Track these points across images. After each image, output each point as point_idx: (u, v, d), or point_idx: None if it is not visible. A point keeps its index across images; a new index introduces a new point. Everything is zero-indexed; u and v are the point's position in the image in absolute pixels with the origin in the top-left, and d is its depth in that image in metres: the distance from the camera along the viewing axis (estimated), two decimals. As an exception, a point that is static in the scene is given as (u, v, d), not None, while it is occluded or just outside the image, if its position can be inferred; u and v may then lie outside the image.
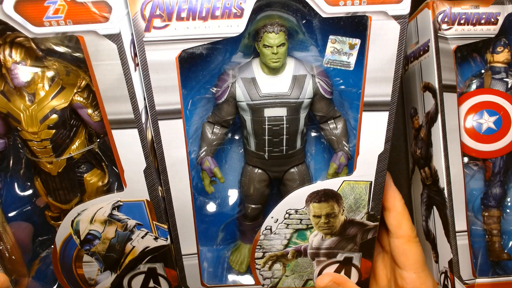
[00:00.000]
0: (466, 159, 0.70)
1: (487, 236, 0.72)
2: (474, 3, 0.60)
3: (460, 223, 0.64)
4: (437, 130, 0.63)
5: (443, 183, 0.64)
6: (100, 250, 0.63)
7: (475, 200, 0.72)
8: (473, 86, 0.69)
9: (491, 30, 0.61)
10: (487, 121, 0.67)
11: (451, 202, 0.64)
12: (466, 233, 0.65)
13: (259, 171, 0.64)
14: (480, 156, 0.69)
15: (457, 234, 0.64)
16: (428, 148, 0.67)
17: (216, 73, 0.58)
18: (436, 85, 0.62)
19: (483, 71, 0.69)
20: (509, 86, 0.67)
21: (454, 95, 0.63)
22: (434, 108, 0.63)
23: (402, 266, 0.63)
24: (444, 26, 0.60)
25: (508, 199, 0.72)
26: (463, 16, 0.60)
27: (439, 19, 0.60)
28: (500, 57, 0.66)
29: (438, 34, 0.60)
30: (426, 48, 0.63)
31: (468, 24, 0.61)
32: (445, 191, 0.64)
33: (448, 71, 0.62)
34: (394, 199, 0.62)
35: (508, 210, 0.73)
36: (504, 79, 0.67)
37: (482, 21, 0.61)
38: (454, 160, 0.63)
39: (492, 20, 0.61)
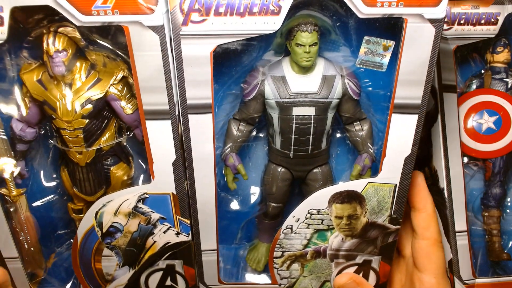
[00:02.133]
0: (466, 159, 0.70)
1: (487, 236, 0.72)
2: (474, 3, 0.60)
3: (460, 223, 0.64)
4: (437, 130, 0.63)
5: (443, 183, 0.64)
6: (120, 244, 0.63)
7: (475, 200, 0.72)
8: (473, 86, 0.69)
9: (491, 30, 0.61)
10: (487, 121, 0.67)
11: (451, 202, 0.64)
12: (466, 233, 0.65)
13: (283, 169, 0.64)
14: (480, 156, 0.69)
15: (457, 234, 0.64)
16: (428, 148, 0.67)
17: (249, 69, 0.59)
18: (436, 85, 0.62)
19: (483, 71, 0.69)
20: (509, 86, 0.67)
21: (454, 95, 0.64)
22: (434, 108, 0.64)
23: (423, 269, 0.62)
24: (444, 26, 0.61)
25: (508, 199, 0.73)
26: (463, 16, 0.60)
27: None
28: (500, 57, 0.67)
29: (439, 34, 0.61)
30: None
31: (468, 24, 0.61)
32: (445, 191, 0.64)
33: (448, 71, 0.62)
34: (426, 201, 0.62)
35: (508, 210, 0.73)
36: (504, 79, 0.67)
37: (482, 21, 0.61)
38: (454, 160, 0.63)
39: (492, 20, 0.61)
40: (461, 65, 0.69)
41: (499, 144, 0.67)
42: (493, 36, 0.62)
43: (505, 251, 0.71)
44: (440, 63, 0.61)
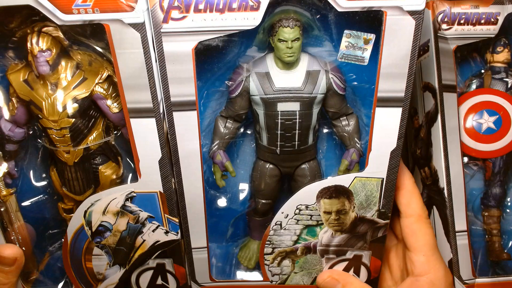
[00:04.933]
0: (466, 159, 0.70)
1: (487, 236, 0.72)
2: (474, 3, 0.61)
3: (460, 223, 0.64)
4: (437, 130, 0.64)
5: (443, 183, 0.64)
6: (110, 243, 0.64)
7: (475, 200, 0.72)
8: (473, 86, 0.69)
9: (491, 30, 0.62)
10: (487, 121, 0.67)
11: (451, 202, 0.64)
12: (466, 233, 0.65)
13: (271, 166, 0.65)
14: (480, 156, 0.69)
15: (457, 234, 0.64)
16: (428, 148, 0.67)
17: (231, 65, 0.59)
18: (436, 85, 0.62)
19: (483, 71, 0.70)
20: (509, 86, 0.67)
21: (454, 95, 0.64)
22: (434, 108, 0.64)
23: (411, 248, 0.61)
24: (444, 26, 0.61)
25: (508, 199, 0.72)
26: (463, 16, 0.60)
27: (439, 19, 0.60)
28: (500, 57, 0.67)
29: (438, 34, 0.61)
30: (426, 48, 0.63)
31: (468, 24, 0.61)
32: (445, 191, 0.64)
33: (448, 71, 0.62)
34: (404, 177, 0.61)
35: (508, 210, 0.73)
36: (504, 79, 0.67)
37: (482, 21, 0.61)
38: (454, 160, 0.63)
39: (492, 20, 0.61)
40: (461, 65, 0.69)
41: (499, 144, 0.67)
42: (493, 36, 0.62)
43: (505, 251, 0.71)
44: (440, 63, 0.61)
